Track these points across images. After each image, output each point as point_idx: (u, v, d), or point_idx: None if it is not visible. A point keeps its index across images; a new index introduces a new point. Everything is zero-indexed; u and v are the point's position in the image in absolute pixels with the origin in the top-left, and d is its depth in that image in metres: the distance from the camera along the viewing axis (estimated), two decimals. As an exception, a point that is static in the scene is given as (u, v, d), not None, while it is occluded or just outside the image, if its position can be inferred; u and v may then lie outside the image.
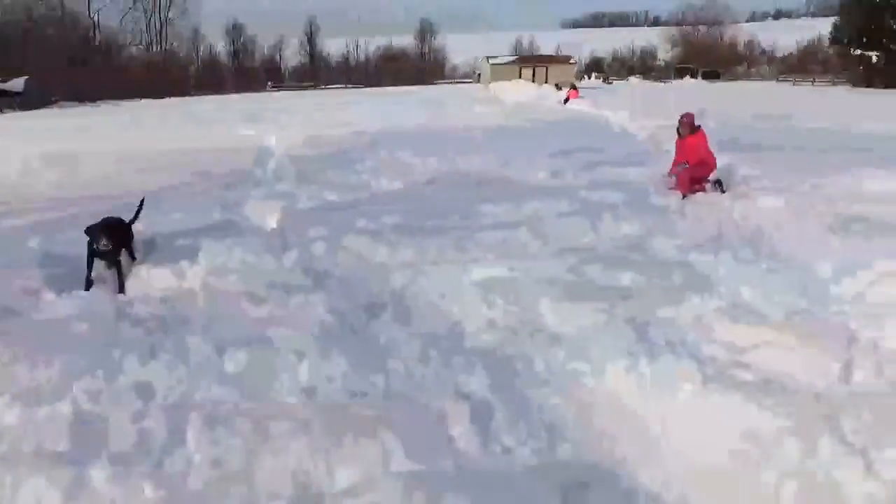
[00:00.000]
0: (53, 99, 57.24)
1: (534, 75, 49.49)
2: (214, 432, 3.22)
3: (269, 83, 66.51)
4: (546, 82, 44.10)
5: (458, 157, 12.29)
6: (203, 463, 3.05)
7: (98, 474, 2.96)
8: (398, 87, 52.82)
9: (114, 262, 5.66)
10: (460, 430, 3.28)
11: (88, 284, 5.36)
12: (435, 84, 64.56)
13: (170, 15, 70.63)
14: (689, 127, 8.70)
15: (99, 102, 54.16)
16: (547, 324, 4.51)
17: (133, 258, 6.02)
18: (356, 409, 3.30)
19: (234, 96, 51.73)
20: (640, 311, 4.52)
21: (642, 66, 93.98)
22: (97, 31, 66.47)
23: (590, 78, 61.85)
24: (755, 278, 5.13)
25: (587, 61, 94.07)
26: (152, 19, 70.68)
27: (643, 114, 19.47)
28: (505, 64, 54.92)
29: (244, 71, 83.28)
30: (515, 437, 3.36)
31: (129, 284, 5.67)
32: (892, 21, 37.88)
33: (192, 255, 5.98)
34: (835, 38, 44.92)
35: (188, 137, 17.58)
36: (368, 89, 52.16)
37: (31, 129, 22.81)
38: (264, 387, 3.67)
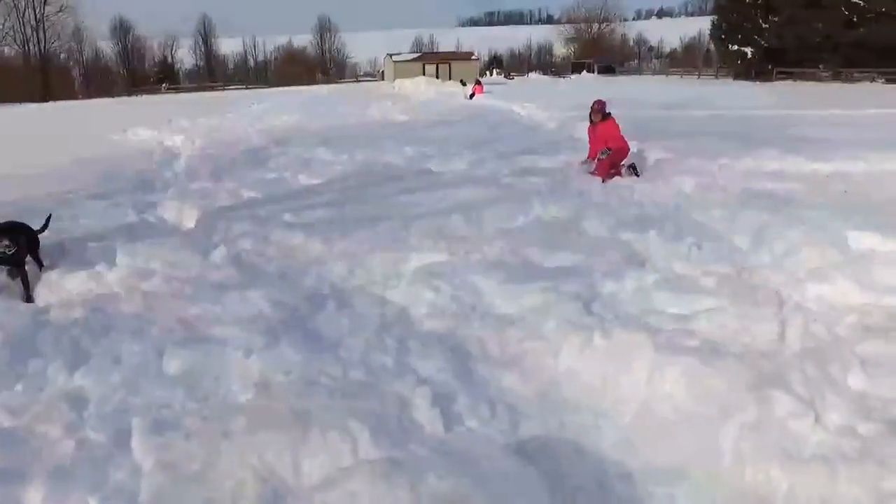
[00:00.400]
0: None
1: (437, 72, 49.78)
2: (163, 436, 3.00)
3: (164, 85, 63.22)
4: (450, 78, 44.45)
5: (374, 152, 12.15)
6: (154, 469, 2.82)
7: (34, 494, 2.69)
8: (300, 87, 51.64)
9: (18, 270, 5.21)
10: (424, 414, 3.22)
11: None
12: (338, 83, 63.61)
13: (46, 12, 65.66)
14: (600, 114, 8.97)
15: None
16: (495, 306, 4.51)
17: (40, 265, 5.56)
18: (316, 399, 3.16)
19: (127, 99, 48.91)
20: (583, 288, 4.59)
21: (540, 62, 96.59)
22: (-37, 29, 61.01)
23: (492, 74, 62.71)
24: (682, 252, 5.35)
25: (487, 58, 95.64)
26: (26, 15, 65.38)
27: (549, 106, 19.97)
28: (408, 61, 54.88)
29: (135, 73, 78.95)
30: (479, 418, 3.33)
31: (41, 292, 5.22)
32: (760, 20, 40.77)
33: (108, 257, 5.62)
34: (713, 35, 47.81)
35: (82, 142, 16.55)
36: (269, 89, 50.66)
37: None
38: (212, 386, 3.46)
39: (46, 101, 50.34)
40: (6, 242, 4.95)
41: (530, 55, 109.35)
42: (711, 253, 5.35)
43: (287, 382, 3.36)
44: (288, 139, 15.00)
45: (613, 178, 8.56)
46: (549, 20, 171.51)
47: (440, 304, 4.48)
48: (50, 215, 6.05)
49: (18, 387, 3.52)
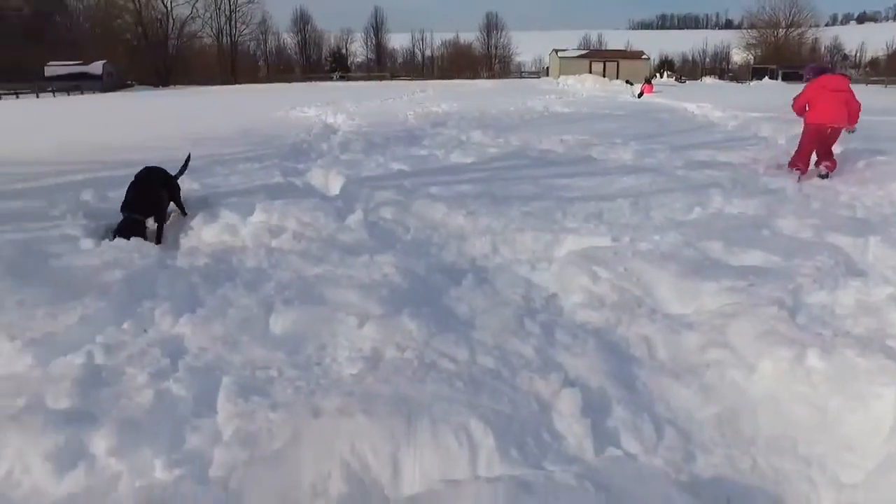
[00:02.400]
0: (128, 82, 59.22)
1: (604, 70, 47.62)
2: (249, 403, 2.49)
3: (336, 73, 66.62)
4: (617, 77, 42.44)
5: (531, 138, 11.42)
6: (232, 440, 2.32)
7: (100, 442, 2.29)
8: (463, 80, 51.96)
9: (160, 219, 5.23)
10: (570, 425, 2.46)
11: (129, 230, 4.80)
12: (501, 78, 63.40)
13: (238, 2, 71.76)
14: (816, 72, 7.49)
15: (170, 87, 55.63)
16: (666, 302, 3.63)
17: (183, 211, 5.65)
18: (432, 386, 2.50)
19: (301, 84, 51.97)
20: (784, 294, 3.57)
21: (715, 66, 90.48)
22: (171, 18, 67.98)
23: (661, 77, 59.34)
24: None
25: (657, 61, 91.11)
26: (222, 6, 71.82)
27: (728, 106, 18.11)
28: (574, 58, 53.03)
29: (311, 62, 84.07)
30: (641, 440, 2.51)
31: (177, 238, 5.15)
32: None
33: (245, 212, 5.45)
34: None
35: (250, 116, 17.48)
36: (433, 81, 51.48)
37: (108, 104, 23.19)
38: (316, 353, 2.93)
39: (233, 83, 54.86)
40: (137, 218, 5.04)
41: (704, 59, 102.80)
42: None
43: (400, 360, 2.73)
44: (444, 122, 14.75)
45: (811, 178, 7.17)
46: (728, 25, 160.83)
47: (598, 293, 3.67)
48: (188, 159, 6.15)
49: (125, 324, 3.22)
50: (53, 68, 53.96)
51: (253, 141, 11.32)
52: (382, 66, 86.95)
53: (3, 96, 39.05)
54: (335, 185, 7.20)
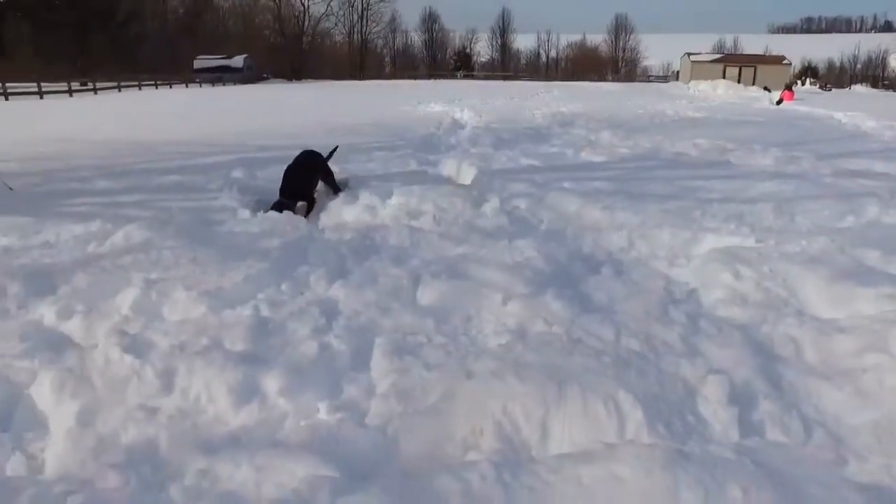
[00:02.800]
0: (264, 76, 63.05)
1: (739, 75, 45.02)
2: (404, 361, 2.68)
3: (460, 72, 67.63)
4: (753, 84, 40.11)
5: (663, 141, 11.14)
6: (388, 392, 2.51)
7: (271, 383, 2.55)
8: (587, 83, 51.14)
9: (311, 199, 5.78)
10: (716, 411, 2.45)
11: (281, 208, 5.24)
12: (628, 82, 61.79)
13: (370, 1, 74.65)
14: None
15: (301, 81, 58.62)
16: (814, 305, 3.49)
17: (335, 190, 6.08)
18: (581, 360, 2.58)
19: (426, 81, 53.17)
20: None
21: (867, 74, 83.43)
22: (307, 16, 71.72)
23: (803, 84, 55.49)
24: None
25: (798, 67, 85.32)
26: (355, 5, 74.93)
27: (884, 115, 16.75)
28: (708, 62, 50.45)
29: (436, 60, 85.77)
30: (788, 436, 2.46)
31: (321, 216, 5.55)
32: None
33: (384, 194, 5.76)
34: None
35: (381, 109, 18.18)
36: (557, 82, 51.01)
37: (248, 95, 24.85)
38: (463, 324, 3.08)
39: (362, 79, 57.02)
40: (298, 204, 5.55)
41: (854, 65, 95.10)
42: None
43: (548, 334, 2.84)
44: (572, 122, 14.68)
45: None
46: (887, 27, 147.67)
47: (742, 291, 3.59)
48: (336, 147, 6.65)
49: (283, 286, 3.53)
50: (201, 61, 58.44)
51: (386, 132, 11.82)
52: (506, 66, 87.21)
53: (160, 86, 42.87)
54: (467, 176, 7.41)
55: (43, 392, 2.56)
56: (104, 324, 3.16)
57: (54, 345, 2.97)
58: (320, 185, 6.11)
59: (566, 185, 6.58)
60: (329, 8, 72.32)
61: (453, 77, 62.30)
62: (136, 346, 2.70)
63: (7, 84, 29.65)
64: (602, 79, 63.40)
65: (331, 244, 4.28)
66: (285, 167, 5.99)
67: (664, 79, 70.19)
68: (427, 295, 3.35)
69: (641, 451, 1.91)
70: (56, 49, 49.62)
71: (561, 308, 3.09)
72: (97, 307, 3.34)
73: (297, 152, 6.25)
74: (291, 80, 61.19)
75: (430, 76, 64.01)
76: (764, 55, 60.51)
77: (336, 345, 2.80)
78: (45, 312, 3.32)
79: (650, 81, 64.28)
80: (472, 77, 63.04)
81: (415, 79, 60.79)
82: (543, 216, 5.34)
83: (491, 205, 5.39)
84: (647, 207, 5.43)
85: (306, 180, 5.85)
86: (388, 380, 2.55)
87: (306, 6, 71.23)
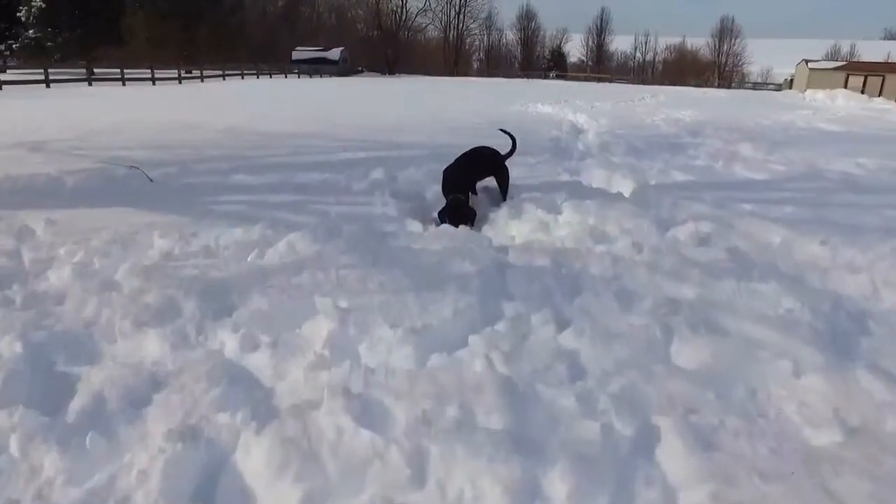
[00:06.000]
0: (359, 69, 63.88)
1: (864, 85, 41.47)
2: (715, 460, 2.03)
3: (553, 72, 66.28)
4: (879, 95, 37.02)
5: (816, 157, 10.01)
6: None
7: (556, 482, 1.96)
8: (689, 88, 48.84)
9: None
10: None
11: (456, 221, 4.72)
12: (732, 88, 58.73)
13: (468, -2, 74.31)
14: None
15: (395, 75, 58.97)
16: None
17: (504, 194, 5.69)
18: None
19: (518, 80, 52.27)
20: None
21: None
22: (405, 11, 71.98)
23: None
24: None
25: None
26: (453, 1, 74.72)
27: None
28: (828, 69, 46.77)
29: (529, 59, 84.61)
30: None
31: (485, 229, 4.98)
32: None
33: (551, 208, 5.17)
34: None
35: (489, 109, 17.64)
36: (654, 86, 48.93)
37: (349, 87, 24.83)
38: (750, 398, 2.40)
39: (453, 75, 56.83)
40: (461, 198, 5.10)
41: None
42: None
43: (887, 434, 2.13)
44: (699, 131, 13.66)
45: None
46: None
47: None
48: (515, 144, 6.27)
49: (499, 326, 2.96)
50: (299, 52, 59.73)
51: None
52: (602, 67, 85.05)
53: (261, 76, 43.90)
54: (624, 189, 6.70)
55: (254, 464, 2.05)
56: (298, 361, 2.68)
57: (250, 389, 2.50)
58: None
59: (747, 207, 5.80)
60: (427, 3, 72.42)
61: (546, 76, 61.07)
62: (369, 414, 2.17)
63: (125, 71, 30.97)
64: (704, 84, 60.55)
65: (528, 272, 3.68)
66: (444, 168, 5.51)
67: (764, 85, 66.41)
68: (686, 353, 2.70)
69: None
70: (166, 37, 51.77)
71: (879, 391, 2.37)
72: (283, 338, 2.86)
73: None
74: (385, 74, 61.67)
75: (522, 75, 63.04)
76: (892, 63, 55.48)
77: (617, 425, 2.18)
78: (227, 340, 2.87)
79: (757, 88, 60.87)
80: (565, 77, 61.56)
81: (507, 77, 59.98)
82: (738, 244, 4.55)
83: (685, 229, 4.68)
84: (872, 244, 4.57)
85: (474, 181, 5.48)
86: (704, 488, 1.91)
87: (404, 0, 71.62)
